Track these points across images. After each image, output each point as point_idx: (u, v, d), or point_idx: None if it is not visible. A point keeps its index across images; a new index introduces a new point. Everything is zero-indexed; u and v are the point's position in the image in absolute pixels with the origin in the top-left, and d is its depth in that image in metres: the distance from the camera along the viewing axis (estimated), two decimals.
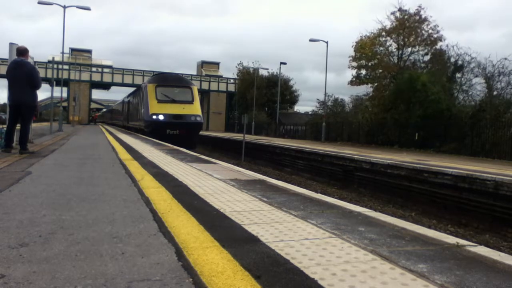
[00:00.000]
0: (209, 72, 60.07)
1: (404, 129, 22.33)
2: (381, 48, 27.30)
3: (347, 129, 28.38)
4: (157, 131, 18.91)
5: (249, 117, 29.50)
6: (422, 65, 26.38)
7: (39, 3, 25.29)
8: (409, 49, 26.74)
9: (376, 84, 27.50)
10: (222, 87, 59.52)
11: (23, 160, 6.62)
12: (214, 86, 58.80)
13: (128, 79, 55.06)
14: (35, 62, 15.69)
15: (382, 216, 3.30)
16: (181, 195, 3.87)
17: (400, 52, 26.91)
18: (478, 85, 22.94)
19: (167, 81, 21.44)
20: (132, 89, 36.54)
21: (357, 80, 28.42)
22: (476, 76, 22.82)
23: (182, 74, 42.75)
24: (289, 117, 46.80)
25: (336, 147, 19.24)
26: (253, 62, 55.18)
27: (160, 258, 2.07)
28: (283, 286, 1.74)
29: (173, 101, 20.03)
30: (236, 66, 58.67)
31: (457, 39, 66.04)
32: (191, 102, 20.59)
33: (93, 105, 74.91)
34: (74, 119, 40.23)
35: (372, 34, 27.07)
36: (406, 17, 26.05)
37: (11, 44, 9.02)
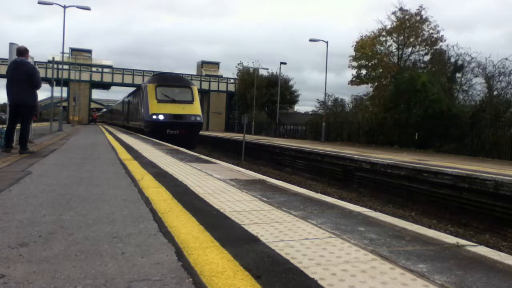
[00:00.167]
0: (209, 72, 60.07)
1: (404, 129, 22.32)
2: (381, 48, 27.31)
3: (347, 129, 28.37)
4: (157, 131, 18.91)
5: (249, 117, 29.51)
6: (422, 65, 26.37)
7: (39, 3, 25.29)
8: (409, 49, 26.76)
9: (376, 83, 27.51)
10: (222, 87, 59.52)
11: (23, 160, 6.61)
12: (214, 86, 58.80)
13: (128, 79, 55.07)
14: (35, 62, 15.70)
15: (382, 216, 3.30)
16: (181, 195, 3.87)
17: (400, 52, 26.91)
18: (478, 85, 22.95)
19: (167, 81, 21.44)
20: (132, 89, 36.56)
21: (357, 80, 28.43)
22: (476, 76, 22.82)
23: (182, 74, 42.74)
24: (289, 117, 46.79)
25: (336, 147, 19.24)
26: (253, 62, 55.24)
27: (160, 258, 2.07)
28: (283, 286, 1.74)
29: (173, 101, 20.03)
30: (236, 66, 58.71)
31: (456, 39, 65.85)
32: (191, 102, 20.59)
33: (93, 105, 74.88)
34: (74, 119, 40.23)
35: (373, 33, 27.09)
36: (407, 17, 26.04)
37: (11, 44, 9.02)
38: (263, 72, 49.96)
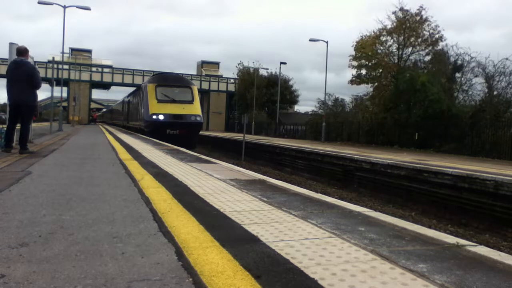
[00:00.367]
0: (209, 72, 60.07)
1: (404, 129, 22.33)
2: (382, 48, 27.31)
3: (347, 129, 28.38)
4: (157, 131, 18.91)
5: (249, 117, 29.51)
6: (423, 65, 26.37)
7: (39, 3, 25.30)
8: (410, 49, 26.75)
9: (376, 83, 27.52)
10: (222, 87, 59.53)
11: (23, 160, 6.61)
12: (214, 86, 58.81)
13: (128, 79, 55.09)
14: (35, 62, 15.72)
15: (382, 216, 3.30)
16: (181, 195, 3.87)
17: (401, 52, 26.91)
18: (478, 85, 22.93)
19: (167, 81, 21.44)
20: (132, 89, 36.56)
21: (357, 79, 28.44)
22: (476, 76, 22.80)
23: (182, 74, 42.71)
24: (289, 117, 46.81)
25: (336, 147, 19.24)
26: (253, 62, 55.35)
27: (160, 258, 2.07)
28: (283, 286, 1.74)
29: (173, 101, 20.03)
30: (236, 66, 58.73)
31: (456, 39, 65.85)
32: (191, 102, 20.59)
33: (93, 105, 74.91)
34: (74, 119, 40.24)
35: (373, 33, 27.09)
36: (407, 17, 26.04)
37: (11, 44, 9.02)
38: (263, 72, 50.05)
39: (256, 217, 3.02)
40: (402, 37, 26.38)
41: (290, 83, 51.76)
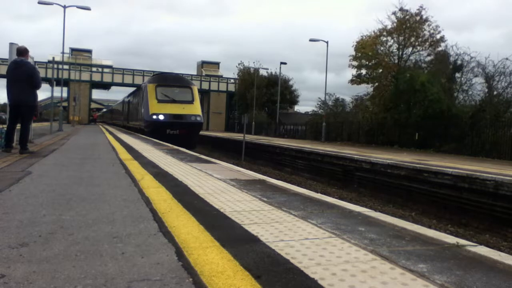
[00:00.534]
0: (209, 72, 60.08)
1: (404, 129, 22.33)
2: (382, 48, 27.32)
3: (347, 129, 28.38)
4: (157, 131, 18.92)
5: (249, 117, 29.51)
6: (424, 65, 26.37)
7: (39, 3, 25.31)
8: (410, 49, 26.76)
9: (376, 83, 27.53)
10: (222, 87, 59.54)
11: (23, 160, 6.62)
12: (214, 86, 58.82)
13: (128, 79, 55.11)
14: (35, 62, 15.72)
15: (382, 216, 3.30)
16: (181, 195, 3.87)
17: (401, 52, 26.92)
18: (478, 85, 22.93)
19: (167, 81, 21.44)
20: (132, 89, 36.57)
21: (357, 79, 28.45)
22: (476, 76, 22.80)
23: (182, 74, 42.75)
24: (289, 117, 46.81)
25: (336, 147, 19.24)
26: (254, 62, 55.37)
27: (160, 258, 2.07)
28: (283, 286, 1.74)
29: (173, 101, 20.04)
30: (236, 66, 58.69)
31: (456, 39, 65.92)
32: (191, 102, 20.59)
33: (93, 105, 74.92)
34: (74, 119, 40.25)
35: (373, 33, 27.10)
36: (407, 17, 26.04)
37: (11, 44, 9.02)
38: (263, 72, 50.06)
39: (256, 217, 3.02)
40: (402, 37, 26.39)
41: (290, 83, 51.85)
